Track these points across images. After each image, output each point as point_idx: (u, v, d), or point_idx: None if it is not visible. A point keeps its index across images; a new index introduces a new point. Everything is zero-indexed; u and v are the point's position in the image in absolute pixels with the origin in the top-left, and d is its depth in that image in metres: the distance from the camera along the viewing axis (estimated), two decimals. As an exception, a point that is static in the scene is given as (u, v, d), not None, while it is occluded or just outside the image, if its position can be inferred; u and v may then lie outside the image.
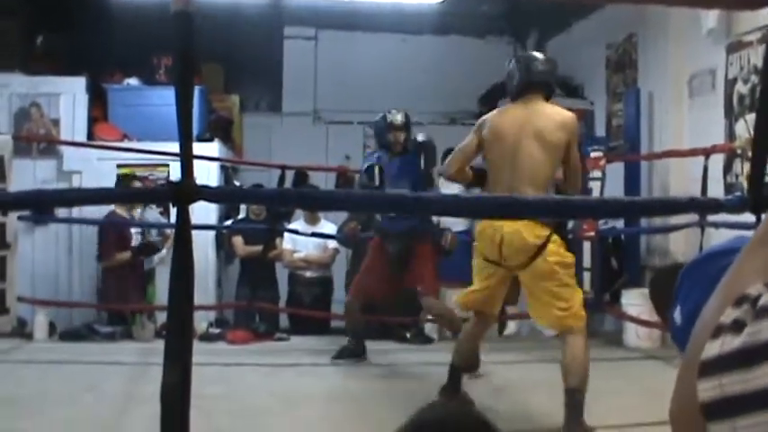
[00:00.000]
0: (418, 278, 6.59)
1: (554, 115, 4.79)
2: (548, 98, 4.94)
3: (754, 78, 6.69)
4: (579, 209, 2.63)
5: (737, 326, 0.94)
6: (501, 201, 3.28)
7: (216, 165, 8.63)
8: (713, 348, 0.94)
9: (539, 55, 5.16)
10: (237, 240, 8.46)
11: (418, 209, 3.27)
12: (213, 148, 8.70)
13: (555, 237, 4.61)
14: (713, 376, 0.93)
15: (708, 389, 0.93)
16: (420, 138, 6.85)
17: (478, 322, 5.10)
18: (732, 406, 0.91)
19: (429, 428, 1.39)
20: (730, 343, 0.93)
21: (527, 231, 4.53)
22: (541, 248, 4.56)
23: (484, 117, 5.01)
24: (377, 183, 6.62)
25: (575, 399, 4.42)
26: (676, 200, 3.16)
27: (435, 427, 1.39)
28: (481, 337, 5.27)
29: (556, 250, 4.60)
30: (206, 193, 2.28)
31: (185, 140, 2.25)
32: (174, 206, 2.22)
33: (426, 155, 6.75)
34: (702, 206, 2.92)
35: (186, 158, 2.23)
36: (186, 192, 2.17)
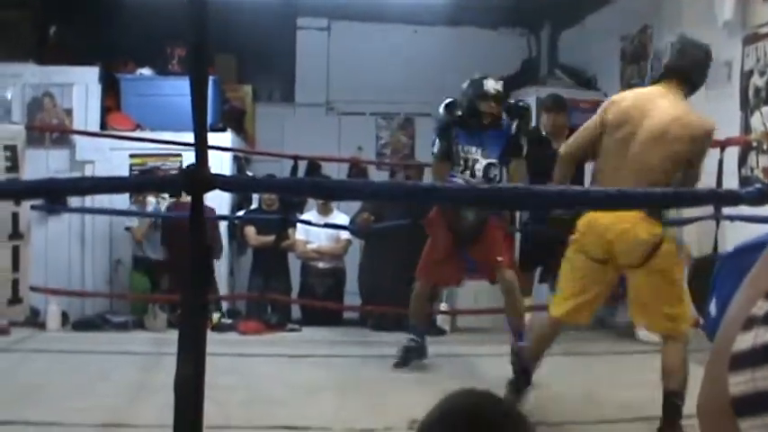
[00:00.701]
0: (496, 249, 5.89)
1: (687, 119, 4.31)
2: (688, 93, 4.46)
3: (771, 70, 6.65)
4: (599, 201, 2.60)
5: None
6: (511, 192, 3.25)
7: (229, 155, 8.62)
8: (745, 341, 0.92)
9: (697, 42, 4.51)
10: (250, 230, 8.45)
11: (431, 198, 3.24)
12: (226, 138, 8.70)
13: (668, 235, 4.37)
14: (745, 370, 0.90)
15: (739, 383, 0.90)
16: (514, 102, 6.22)
17: (557, 327, 4.77)
18: (765, 401, 0.88)
19: (458, 414, 1.38)
20: (763, 336, 0.90)
21: (641, 228, 4.24)
22: (656, 247, 4.28)
23: (612, 97, 4.59)
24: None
25: (673, 402, 4.21)
26: (697, 191, 3.13)
27: (465, 414, 1.38)
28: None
29: (671, 249, 4.36)
30: (220, 182, 2.27)
31: (200, 129, 2.23)
32: (188, 195, 2.20)
33: (522, 120, 6.00)
34: (722, 198, 2.89)
35: (201, 147, 2.21)
36: (200, 180, 2.15)
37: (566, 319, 4.66)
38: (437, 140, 5.92)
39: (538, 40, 11.20)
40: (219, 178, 2.28)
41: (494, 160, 5.82)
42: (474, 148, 5.82)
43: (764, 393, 0.88)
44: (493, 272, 5.98)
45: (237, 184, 3.54)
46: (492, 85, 5.84)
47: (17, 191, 2.98)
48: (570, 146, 4.67)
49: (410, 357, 6.05)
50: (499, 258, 5.83)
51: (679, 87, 4.38)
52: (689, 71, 4.38)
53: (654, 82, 4.47)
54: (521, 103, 6.18)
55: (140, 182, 3.15)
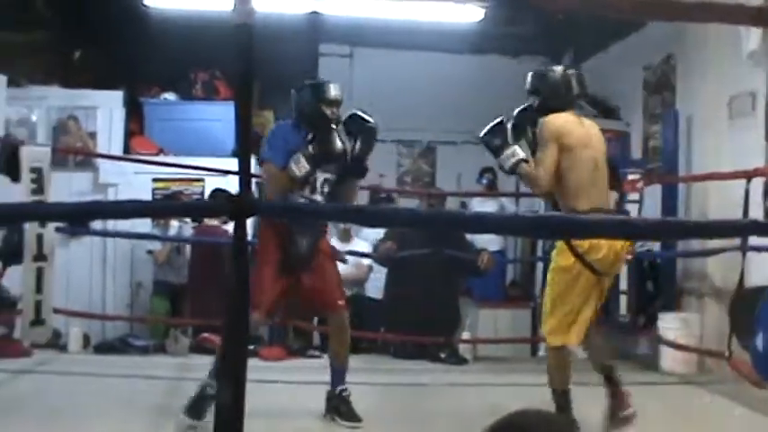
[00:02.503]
0: (336, 291, 5.34)
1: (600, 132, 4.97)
2: None
3: (796, 102, 6.65)
4: (640, 230, 2.58)
5: None
6: (544, 220, 3.24)
7: (252, 180, 8.64)
8: None
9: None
10: (274, 255, 8.45)
11: (477, 228, 3.23)
12: (249, 163, 8.72)
13: None
14: None
15: None
16: (358, 116, 5.25)
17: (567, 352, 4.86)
18: None
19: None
20: None
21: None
22: None
23: (556, 124, 4.72)
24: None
25: None
26: (731, 222, 3.10)
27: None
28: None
29: None
30: (263, 208, 2.26)
31: (244, 155, 2.23)
32: (231, 220, 2.19)
33: (365, 137, 5.21)
34: (756, 230, 2.87)
35: (245, 173, 2.21)
36: (245, 206, 2.15)
37: (571, 338, 4.77)
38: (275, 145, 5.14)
39: (560, 69, 11.21)
40: (263, 204, 2.27)
41: (329, 176, 5.19)
42: None
43: None
44: (324, 307, 5.55)
45: (280, 210, 3.46)
46: (335, 90, 5.23)
47: (59, 213, 2.99)
48: (545, 177, 4.71)
49: (205, 406, 4.80)
50: (340, 302, 5.32)
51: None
52: (587, 97, 5.21)
53: (557, 109, 4.80)
54: (365, 121, 5.23)
55: (185, 207, 3.14)
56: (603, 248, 4.56)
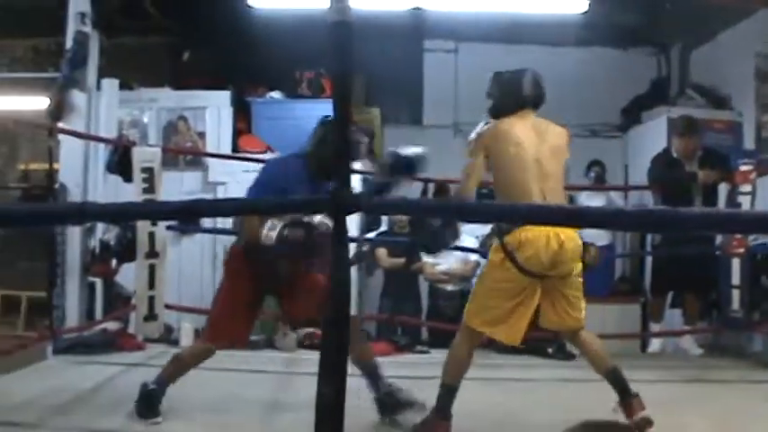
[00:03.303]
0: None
1: (561, 132, 4.88)
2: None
3: None
4: (750, 223, 2.50)
5: None
6: (649, 214, 3.18)
7: (358, 178, 8.69)
8: None
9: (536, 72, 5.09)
10: (381, 252, 8.51)
11: (581, 222, 3.18)
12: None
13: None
14: None
15: None
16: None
17: (476, 340, 4.88)
18: None
19: None
20: None
21: (575, 238, 4.60)
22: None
23: (491, 129, 4.81)
24: None
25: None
26: None
27: None
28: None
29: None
30: (365, 204, 2.28)
31: (341, 151, 2.24)
32: (332, 216, 2.22)
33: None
34: None
35: (343, 170, 2.22)
36: (346, 202, 2.16)
37: (486, 327, 4.74)
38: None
39: (668, 59, 10.99)
40: (365, 199, 2.29)
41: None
42: None
43: None
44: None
45: (382, 206, 3.43)
46: None
47: (164, 212, 3.06)
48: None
49: (152, 406, 4.92)
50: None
51: (533, 111, 4.90)
52: (542, 98, 4.94)
53: (508, 111, 4.85)
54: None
55: (283, 203, 3.16)
56: (535, 246, 4.46)
